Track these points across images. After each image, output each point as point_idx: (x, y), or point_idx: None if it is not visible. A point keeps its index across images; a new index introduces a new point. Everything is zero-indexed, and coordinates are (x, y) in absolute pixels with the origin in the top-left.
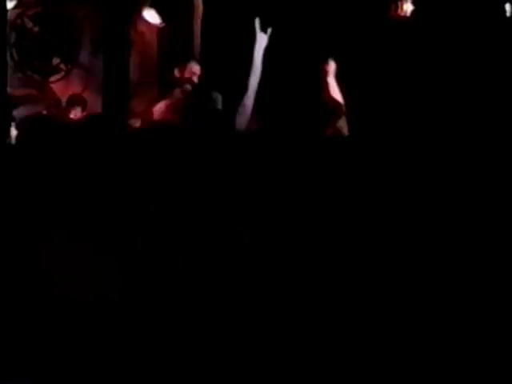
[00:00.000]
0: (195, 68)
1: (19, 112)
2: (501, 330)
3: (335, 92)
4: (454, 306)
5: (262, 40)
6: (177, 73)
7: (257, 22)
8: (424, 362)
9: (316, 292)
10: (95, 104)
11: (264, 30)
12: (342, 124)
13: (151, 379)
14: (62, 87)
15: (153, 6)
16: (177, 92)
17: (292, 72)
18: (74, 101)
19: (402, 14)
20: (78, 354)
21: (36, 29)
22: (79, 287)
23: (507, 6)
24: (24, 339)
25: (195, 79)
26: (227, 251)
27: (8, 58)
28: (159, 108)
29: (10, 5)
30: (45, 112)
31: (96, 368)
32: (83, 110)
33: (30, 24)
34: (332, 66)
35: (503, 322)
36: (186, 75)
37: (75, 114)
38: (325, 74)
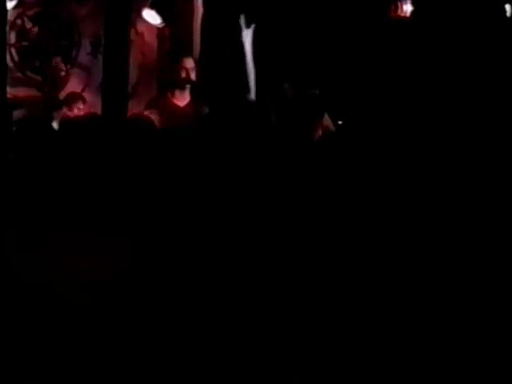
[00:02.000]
0: (186, 62)
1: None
2: (499, 321)
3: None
4: (454, 299)
5: (248, 36)
6: (173, 73)
7: (242, 18)
8: (422, 358)
9: (316, 283)
10: (95, 104)
11: (248, 25)
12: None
13: (156, 375)
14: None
15: (153, 6)
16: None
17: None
18: (73, 98)
19: (402, 15)
20: (80, 350)
21: (36, 29)
22: (81, 283)
23: (507, 6)
24: (26, 334)
25: (191, 75)
26: (226, 248)
27: (8, 59)
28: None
29: (9, 5)
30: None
31: (99, 363)
32: (83, 102)
33: (29, 24)
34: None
35: (501, 310)
36: (181, 73)
37: (77, 110)
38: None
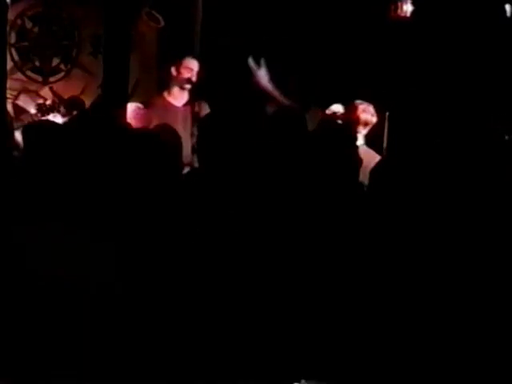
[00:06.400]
0: (191, 63)
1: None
2: (501, 328)
3: None
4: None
5: (262, 73)
6: (173, 71)
7: (250, 60)
8: (423, 360)
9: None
10: None
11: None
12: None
13: (149, 370)
14: (62, 87)
15: (153, 6)
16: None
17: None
18: (73, 104)
19: (402, 15)
20: (72, 343)
21: (36, 29)
22: (74, 274)
23: (507, 6)
24: (17, 328)
25: (194, 77)
26: (224, 246)
27: (8, 58)
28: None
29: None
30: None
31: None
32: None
33: (30, 24)
34: None
35: (503, 319)
36: (183, 72)
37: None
38: None
